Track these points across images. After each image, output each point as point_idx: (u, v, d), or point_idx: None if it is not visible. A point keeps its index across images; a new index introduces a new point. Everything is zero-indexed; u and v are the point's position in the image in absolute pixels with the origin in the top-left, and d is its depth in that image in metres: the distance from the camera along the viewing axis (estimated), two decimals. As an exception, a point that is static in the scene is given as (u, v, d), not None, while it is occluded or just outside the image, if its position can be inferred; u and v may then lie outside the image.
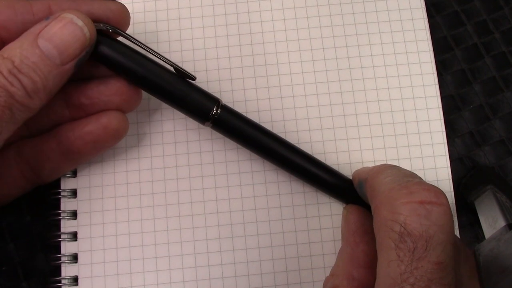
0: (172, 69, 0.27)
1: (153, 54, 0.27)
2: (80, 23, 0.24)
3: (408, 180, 0.22)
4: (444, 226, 0.20)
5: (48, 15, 0.24)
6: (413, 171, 0.29)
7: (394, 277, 0.20)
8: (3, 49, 0.23)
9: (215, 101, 0.27)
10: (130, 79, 0.26)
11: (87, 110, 0.27)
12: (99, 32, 0.25)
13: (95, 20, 0.25)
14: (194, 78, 0.27)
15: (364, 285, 0.24)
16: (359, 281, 0.24)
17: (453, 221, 0.21)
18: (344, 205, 0.29)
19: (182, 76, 0.27)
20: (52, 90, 0.24)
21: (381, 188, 0.23)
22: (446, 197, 0.21)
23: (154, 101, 0.30)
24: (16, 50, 0.23)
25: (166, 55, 0.31)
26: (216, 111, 0.27)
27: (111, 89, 0.27)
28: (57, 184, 0.29)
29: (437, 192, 0.21)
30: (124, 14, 0.26)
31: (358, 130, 0.30)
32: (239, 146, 0.29)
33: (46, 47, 0.23)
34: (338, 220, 0.29)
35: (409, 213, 0.20)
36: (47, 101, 0.24)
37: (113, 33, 0.26)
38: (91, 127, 0.27)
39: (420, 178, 0.24)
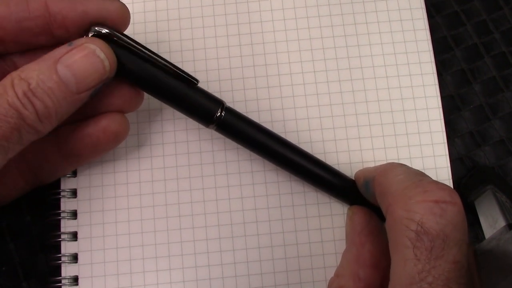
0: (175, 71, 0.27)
1: (153, 57, 0.26)
2: (102, 55, 0.24)
3: (421, 179, 0.22)
4: (459, 226, 0.20)
5: (44, 13, 0.24)
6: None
7: (412, 276, 0.20)
8: (21, 69, 0.23)
9: (219, 103, 0.27)
10: (132, 82, 0.26)
11: (88, 112, 0.27)
12: (98, 36, 0.25)
13: (95, 23, 0.25)
14: (196, 82, 0.27)
15: (370, 285, 0.24)
16: (365, 281, 0.24)
17: (466, 221, 0.21)
18: (347, 206, 0.29)
19: (185, 80, 0.26)
20: (63, 117, 0.24)
21: (393, 186, 0.23)
22: (459, 197, 0.21)
23: (154, 101, 0.30)
24: (34, 72, 0.22)
25: (166, 55, 0.31)
26: (221, 113, 0.27)
27: (112, 91, 0.26)
28: (57, 184, 0.29)
29: (451, 191, 0.21)
30: (122, 14, 0.25)
31: (358, 130, 0.30)
32: (239, 146, 0.29)
33: (65, 73, 0.23)
34: (338, 220, 0.29)
35: (425, 211, 0.20)
36: (57, 125, 0.24)
37: (115, 38, 0.25)
38: (91, 129, 0.26)
39: (429, 176, 0.24)
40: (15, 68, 0.25)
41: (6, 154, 0.22)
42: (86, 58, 0.23)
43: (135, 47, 0.25)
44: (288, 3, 0.32)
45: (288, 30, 0.32)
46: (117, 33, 0.25)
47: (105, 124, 0.26)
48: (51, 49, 0.26)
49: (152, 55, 0.26)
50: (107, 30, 0.25)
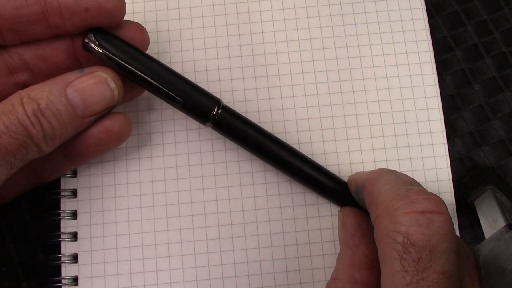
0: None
1: (141, 76, 0.26)
2: (112, 85, 0.25)
3: (408, 188, 0.22)
4: (446, 235, 0.20)
5: (40, 0, 0.24)
6: (414, 172, 0.30)
7: None
8: (30, 88, 0.23)
9: (216, 101, 0.27)
10: (130, 78, 0.26)
11: None
12: (94, 29, 0.25)
13: (91, 28, 0.25)
14: (179, 103, 0.26)
15: (367, 287, 0.24)
16: (362, 283, 0.24)
17: (454, 229, 0.21)
18: (339, 208, 0.29)
19: (169, 98, 0.26)
20: (65, 138, 0.24)
21: (380, 197, 0.23)
22: (446, 206, 0.21)
23: (154, 101, 0.30)
24: (44, 93, 0.23)
25: (167, 55, 0.31)
26: (217, 111, 0.27)
27: None
28: (57, 184, 0.29)
29: (437, 201, 0.21)
30: (118, 3, 0.25)
31: (358, 130, 0.30)
32: (239, 146, 0.29)
33: (74, 98, 0.23)
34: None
35: (411, 223, 0.20)
36: (58, 145, 0.24)
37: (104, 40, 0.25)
38: (94, 130, 0.26)
39: (418, 184, 0.24)
40: (21, 61, 0.26)
41: (11, 169, 0.23)
42: (96, 86, 0.24)
43: (126, 62, 0.26)
44: (289, 3, 0.32)
45: (288, 30, 0.31)
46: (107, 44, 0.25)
47: (107, 124, 0.26)
48: (50, 41, 0.26)
49: (140, 73, 0.26)
50: (100, 49, 0.25)
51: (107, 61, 0.25)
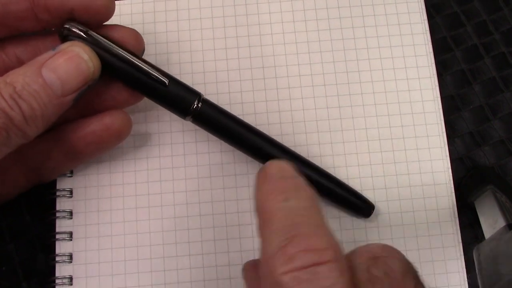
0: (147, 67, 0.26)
1: (125, 56, 0.26)
2: (85, 57, 0.24)
3: (289, 237, 0.19)
4: (335, 285, 0.18)
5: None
6: (412, 175, 0.29)
7: None
8: (7, 74, 0.23)
9: (196, 95, 0.27)
10: (108, 72, 0.26)
11: (90, 110, 0.27)
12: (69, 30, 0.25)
13: (70, 18, 0.25)
14: (165, 84, 0.26)
15: None
16: None
17: (346, 272, 0.18)
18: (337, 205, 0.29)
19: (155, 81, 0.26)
20: (50, 120, 0.24)
21: (262, 247, 0.20)
22: (334, 249, 0.18)
23: (152, 102, 0.31)
24: (19, 76, 0.23)
25: (164, 56, 0.31)
26: (197, 105, 0.26)
27: (112, 89, 0.27)
28: (53, 183, 0.30)
29: (319, 250, 0.18)
30: (106, 4, 0.25)
31: (354, 133, 0.30)
32: (222, 140, 0.29)
33: (49, 77, 0.23)
34: (343, 221, 0.29)
35: (292, 283, 0.18)
36: (44, 129, 0.24)
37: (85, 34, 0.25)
38: (94, 127, 0.27)
39: (307, 223, 0.19)
40: (18, 61, 0.26)
41: None
42: (70, 61, 0.24)
43: (107, 44, 0.25)
44: (287, 6, 0.32)
45: (286, 33, 0.32)
46: (87, 30, 0.25)
47: (108, 121, 0.27)
48: (45, 43, 0.26)
49: (123, 53, 0.26)
50: (78, 27, 0.25)
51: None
